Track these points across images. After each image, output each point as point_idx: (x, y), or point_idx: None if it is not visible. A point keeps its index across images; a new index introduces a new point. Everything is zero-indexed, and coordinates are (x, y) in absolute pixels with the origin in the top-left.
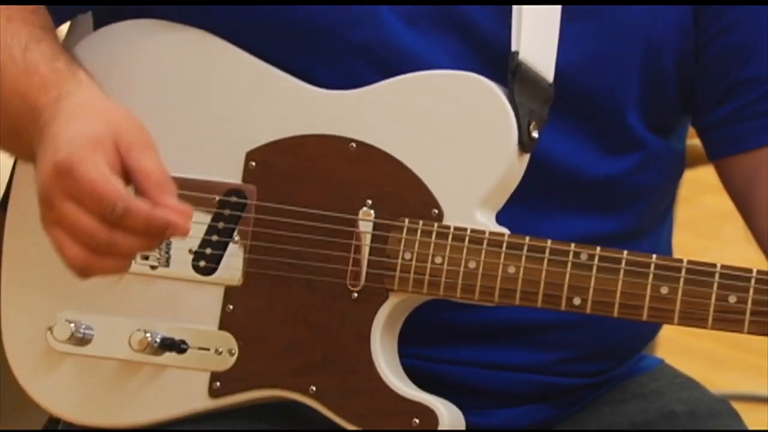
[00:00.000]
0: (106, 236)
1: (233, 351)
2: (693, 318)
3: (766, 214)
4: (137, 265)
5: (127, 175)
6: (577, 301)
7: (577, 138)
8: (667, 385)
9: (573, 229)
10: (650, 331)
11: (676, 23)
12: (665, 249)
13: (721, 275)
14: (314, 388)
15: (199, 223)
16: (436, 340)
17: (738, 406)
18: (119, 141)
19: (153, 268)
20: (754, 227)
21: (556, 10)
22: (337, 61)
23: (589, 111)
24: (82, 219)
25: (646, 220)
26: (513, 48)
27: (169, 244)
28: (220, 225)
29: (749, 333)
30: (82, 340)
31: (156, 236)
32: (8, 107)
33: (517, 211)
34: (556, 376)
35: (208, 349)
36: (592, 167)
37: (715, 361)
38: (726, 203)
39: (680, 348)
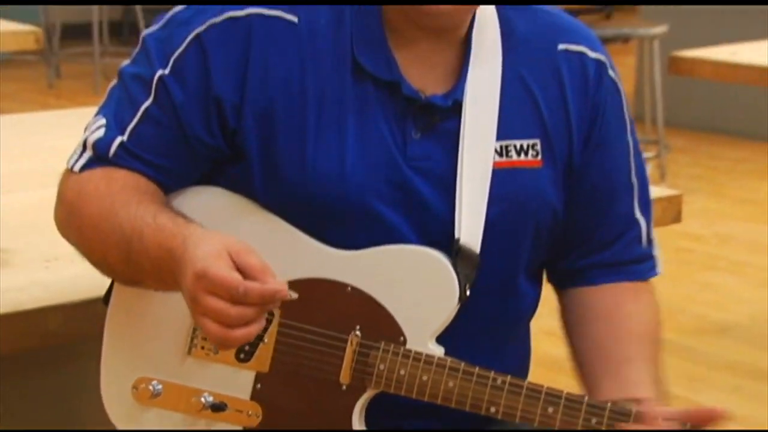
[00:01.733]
0: (237, 312)
1: (259, 414)
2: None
3: (580, 338)
4: (197, 350)
5: (241, 272)
6: (492, 409)
7: (481, 289)
8: None
9: (477, 343)
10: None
11: (552, 210)
12: (528, 339)
13: (588, 405)
14: None
15: None
16: (383, 415)
17: None
18: (231, 251)
19: (207, 354)
20: (571, 342)
21: (484, 200)
22: (339, 228)
23: (494, 271)
24: (219, 304)
25: (521, 329)
26: (456, 235)
27: None
28: None
29: None
30: (156, 396)
31: (268, 303)
32: (151, 255)
33: (446, 335)
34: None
35: (242, 411)
36: (495, 308)
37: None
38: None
39: None
